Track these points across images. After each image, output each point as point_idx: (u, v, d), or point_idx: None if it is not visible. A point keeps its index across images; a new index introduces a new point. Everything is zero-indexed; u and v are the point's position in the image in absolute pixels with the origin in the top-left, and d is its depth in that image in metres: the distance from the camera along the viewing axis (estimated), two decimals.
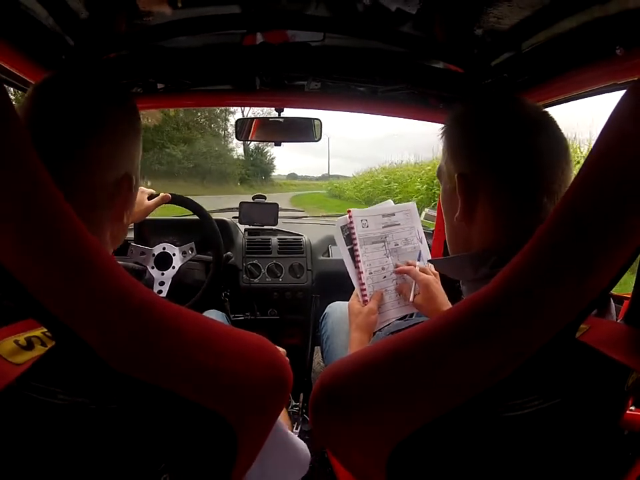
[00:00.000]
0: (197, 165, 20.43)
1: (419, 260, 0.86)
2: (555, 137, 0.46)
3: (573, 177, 0.45)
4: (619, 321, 0.39)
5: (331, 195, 20.36)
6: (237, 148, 26.52)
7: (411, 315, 0.85)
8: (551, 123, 0.47)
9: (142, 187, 0.94)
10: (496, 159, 0.46)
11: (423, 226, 0.91)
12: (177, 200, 1.04)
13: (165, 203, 0.97)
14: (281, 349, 0.82)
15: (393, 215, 0.88)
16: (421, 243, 0.88)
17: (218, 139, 24.19)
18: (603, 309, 0.42)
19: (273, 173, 32.36)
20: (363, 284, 0.82)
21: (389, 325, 0.78)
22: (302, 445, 0.48)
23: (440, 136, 0.53)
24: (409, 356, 0.33)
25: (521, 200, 0.45)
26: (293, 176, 49.99)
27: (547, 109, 0.49)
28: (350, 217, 0.85)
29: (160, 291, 1.04)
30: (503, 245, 0.45)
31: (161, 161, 18.21)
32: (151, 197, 0.94)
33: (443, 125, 0.53)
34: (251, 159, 27.28)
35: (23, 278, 0.27)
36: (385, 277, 0.84)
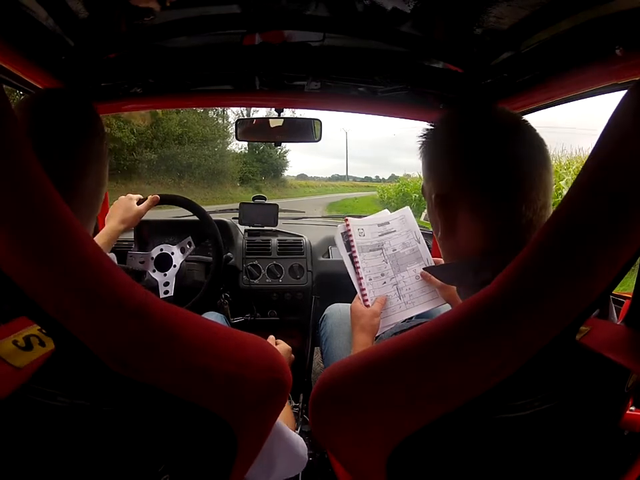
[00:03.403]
0: (166, 157, 13.53)
1: (420, 259, 0.86)
2: (531, 144, 0.45)
3: (553, 183, 0.45)
4: (619, 322, 0.39)
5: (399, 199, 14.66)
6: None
7: (410, 318, 0.85)
8: (528, 130, 0.46)
9: (129, 194, 0.98)
10: (473, 170, 0.45)
11: (423, 227, 0.91)
12: (167, 199, 1.05)
13: (155, 204, 0.99)
14: (286, 345, 0.82)
15: (388, 223, 0.91)
16: (419, 243, 0.89)
17: (201, 118, 16.10)
18: (604, 309, 0.41)
19: (285, 172, 25.72)
20: (364, 289, 0.83)
21: (391, 328, 0.79)
22: (299, 438, 0.49)
23: (419, 156, 0.52)
24: (408, 358, 0.33)
25: (500, 210, 0.44)
26: (302, 177, 44.21)
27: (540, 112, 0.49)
28: (347, 224, 0.88)
29: (166, 291, 1.04)
30: (490, 250, 0.44)
31: None
32: (139, 201, 0.97)
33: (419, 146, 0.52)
34: (256, 152, 21.12)
35: (19, 280, 0.27)
36: (384, 282, 0.85)
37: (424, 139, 0.51)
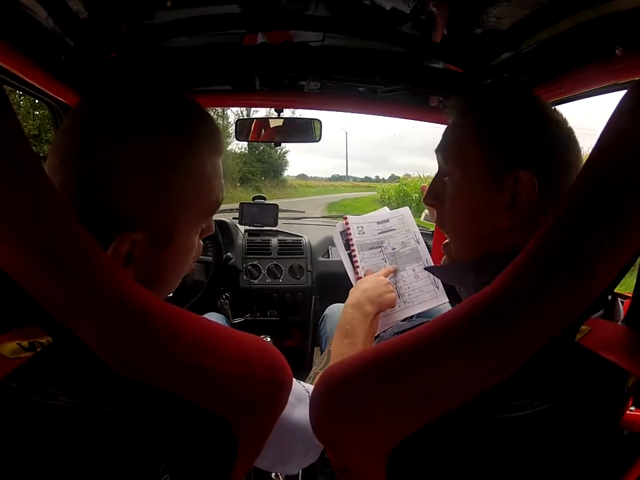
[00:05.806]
0: None
1: (419, 259, 0.86)
2: (566, 125, 0.47)
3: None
4: (619, 322, 0.39)
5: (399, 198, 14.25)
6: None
7: (411, 318, 0.85)
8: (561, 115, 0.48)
9: None
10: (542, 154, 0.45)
11: (422, 227, 0.91)
12: None
13: None
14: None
15: (387, 221, 0.90)
16: (419, 244, 0.88)
17: None
18: (609, 310, 0.41)
19: (285, 172, 25.77)
20: None
21: (391, 327, 0.79)
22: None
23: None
24: (408, 358, 0.33)
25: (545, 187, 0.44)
26: (302, 177, 42.77)
27: None
28: (347, 223, 0.87)
29: None
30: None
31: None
32: None
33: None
34: (256, 152, 21.25)
35: (21, 280, 0.27)
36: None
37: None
